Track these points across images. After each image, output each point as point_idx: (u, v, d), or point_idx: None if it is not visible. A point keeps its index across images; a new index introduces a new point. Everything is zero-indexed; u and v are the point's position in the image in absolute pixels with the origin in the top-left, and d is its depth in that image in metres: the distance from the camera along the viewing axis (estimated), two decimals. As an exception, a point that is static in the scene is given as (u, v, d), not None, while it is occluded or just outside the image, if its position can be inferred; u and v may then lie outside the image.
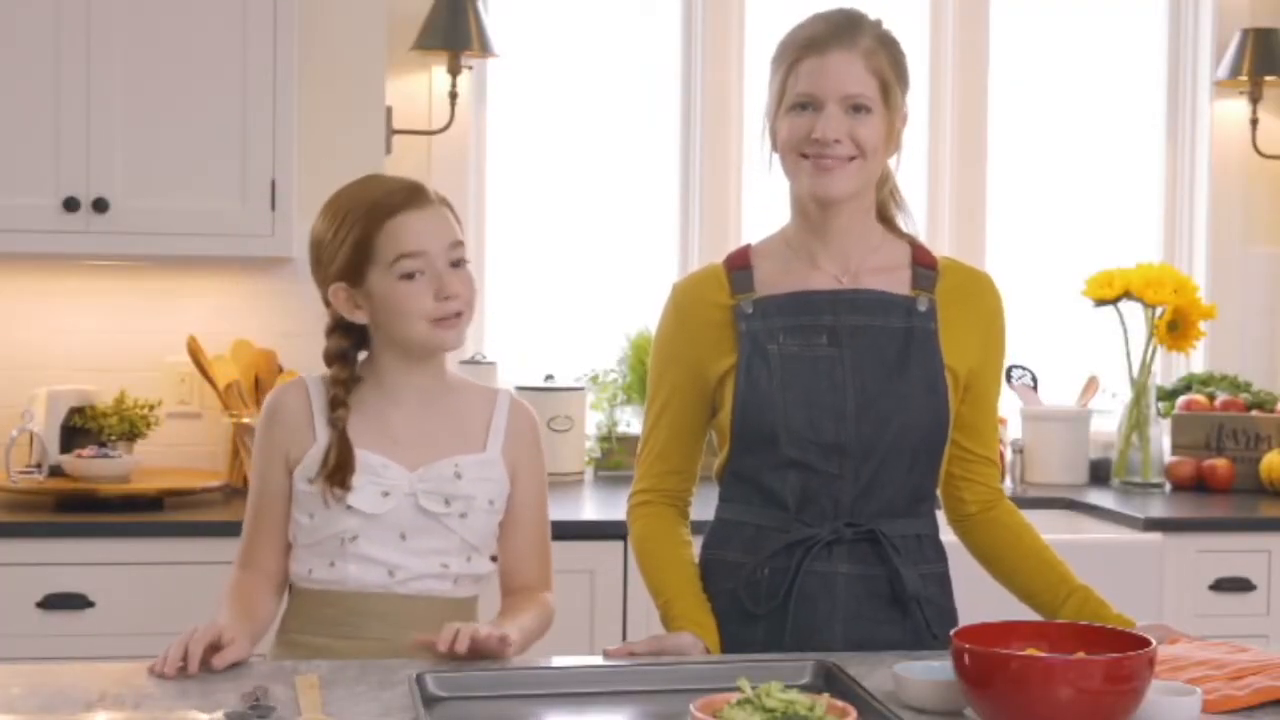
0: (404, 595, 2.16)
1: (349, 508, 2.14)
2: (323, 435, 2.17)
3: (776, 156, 2.20)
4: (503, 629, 2.00)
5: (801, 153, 2.14)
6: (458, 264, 2.18)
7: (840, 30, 2.13)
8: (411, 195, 2.17)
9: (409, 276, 2.14)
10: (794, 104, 2.14)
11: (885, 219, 2.25)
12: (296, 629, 2.19)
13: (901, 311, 2.17)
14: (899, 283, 2.19)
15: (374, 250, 2.13)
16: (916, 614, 2.16)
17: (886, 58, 2.14)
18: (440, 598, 2.18)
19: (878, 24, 2.17)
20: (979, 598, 2.25)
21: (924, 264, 2.21)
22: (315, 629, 2.16)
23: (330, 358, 2.20)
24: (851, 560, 2.14)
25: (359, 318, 2.17)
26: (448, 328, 2.17)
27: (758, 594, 2.15)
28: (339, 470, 2.13)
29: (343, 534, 2.15)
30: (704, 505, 2.29)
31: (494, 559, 2.26)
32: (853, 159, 2.12)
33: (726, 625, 2.15)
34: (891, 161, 2.22)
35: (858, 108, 2.12)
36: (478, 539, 2.20)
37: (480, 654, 1.96)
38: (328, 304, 2.21)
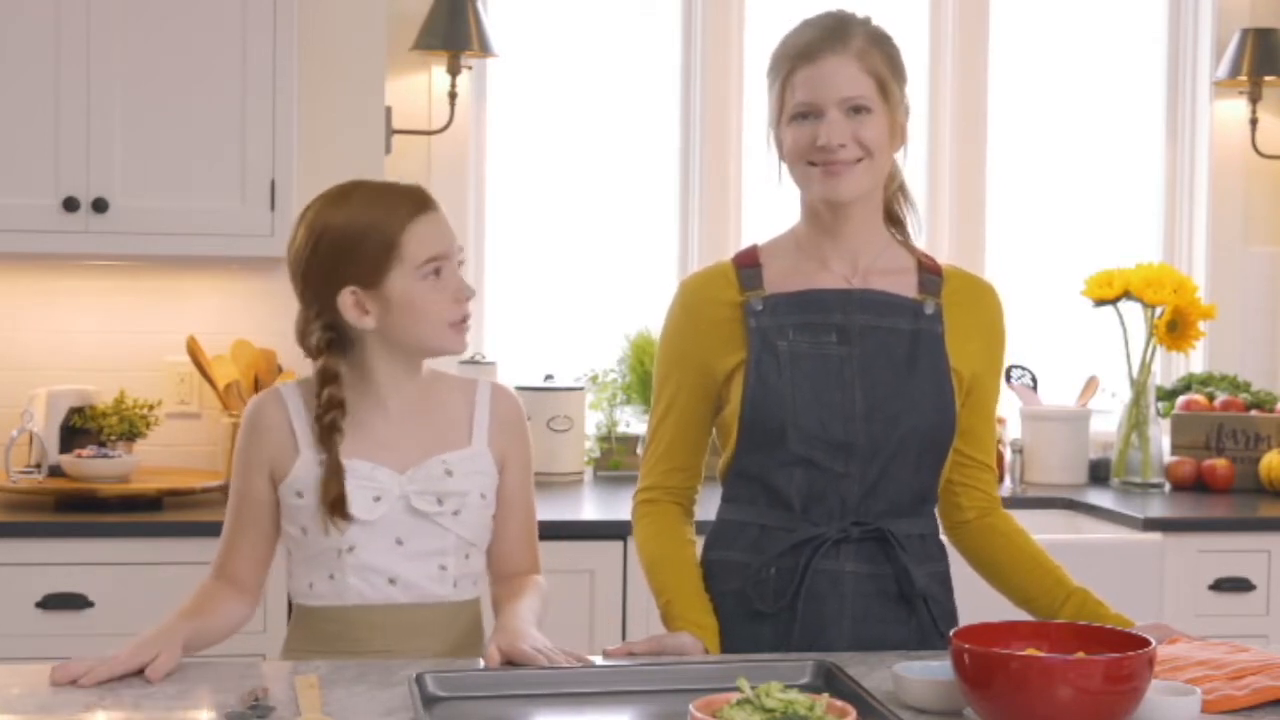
0: (405, 604, 2.14)
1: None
2: (306, 447, 2.14)
3: (785, 165, 2.20)
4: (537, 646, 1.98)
5: (809, 160, 2.15)
6: (461, 266, 2.19)
7: (830, 35, 2.14)
8: (425, 198, 2.16)
9: (435, 275, 2.13)
10: (795, 114, 2.15)
11: (892, 219, 2.26)
12: (299, 647, 2.17)
13: (909, 313, 2.17)
14: (906, 285, 2.20)
15: (400, 251, 2.11)
16: (923, 612, 2.17)
17: (880, 55, 2.14)
18: (442, 603, 2.16)
19: (867, 21, 2.18)
20: (979, 597, 2.26)
21: (929, 269, 2.23)
22: (318, 646, 2.13)
23: (326, 377, 2.14)
24: (859, 559, 2.15)
25: (365, 324, 2.13)
26: (463, 330, 2.18)
27: (765, 593, 2.15)
28: (340, 501, 2.11)
29: (340, 546, 2.12)
30: (705, 507, 2.29)
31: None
32: (860, 160, 2.14)
33: (733, 625, 2.15)
34: (899, 158, 2.23)
35: (857, 109, 2.13)
36: (473, 534, 2.19)
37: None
38: (314, 314, 2.16)
